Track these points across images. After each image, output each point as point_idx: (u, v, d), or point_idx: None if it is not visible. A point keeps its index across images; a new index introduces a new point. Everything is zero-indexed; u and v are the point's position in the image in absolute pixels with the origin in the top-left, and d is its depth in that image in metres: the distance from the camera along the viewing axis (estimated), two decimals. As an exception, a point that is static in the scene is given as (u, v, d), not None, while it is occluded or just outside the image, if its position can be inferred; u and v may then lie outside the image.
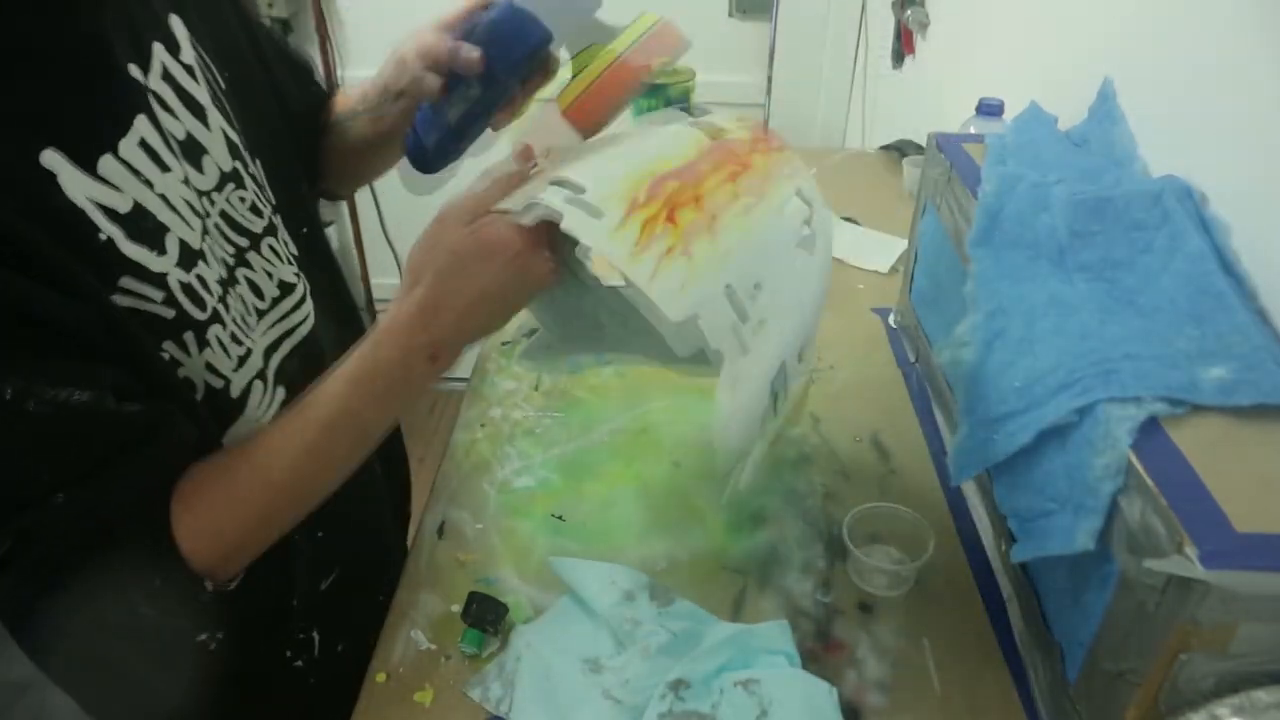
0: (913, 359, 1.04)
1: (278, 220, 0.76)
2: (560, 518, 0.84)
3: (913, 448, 0.92)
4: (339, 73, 2.23)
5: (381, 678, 0.70)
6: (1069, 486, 0.59)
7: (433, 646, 0.72)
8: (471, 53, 0.71)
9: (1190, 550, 0.47)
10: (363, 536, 0.81)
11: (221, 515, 0.60)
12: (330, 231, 2.44)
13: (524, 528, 0.83)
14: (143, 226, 0.58)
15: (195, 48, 0.70)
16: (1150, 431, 0.55)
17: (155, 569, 0.58)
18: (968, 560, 0.79)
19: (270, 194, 0.75)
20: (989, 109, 1.06)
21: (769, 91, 2.11)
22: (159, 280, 0.59)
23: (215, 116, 0.69)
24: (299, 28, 2.19)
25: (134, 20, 0.64)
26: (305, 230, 0.81)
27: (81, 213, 0.55)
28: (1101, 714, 0.58)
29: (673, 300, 0.58)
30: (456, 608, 0.74)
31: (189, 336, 0.61)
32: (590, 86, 0.72)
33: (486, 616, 0.71)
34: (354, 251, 2.50)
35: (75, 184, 0.55)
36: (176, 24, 0.68)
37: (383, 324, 0.63)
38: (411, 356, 0.62)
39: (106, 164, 0.57)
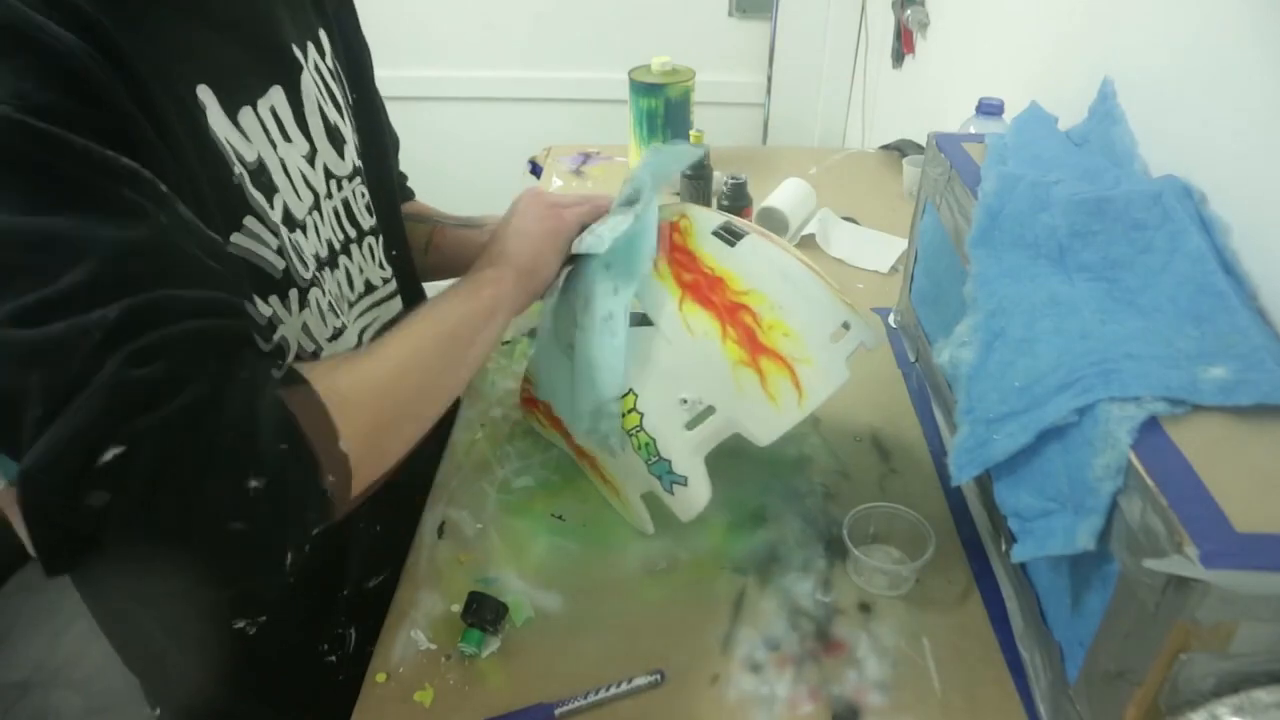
0: (913, 359, 1.04)
1: (378, 225, 0.82)
2: (560, 518, 0.84)
3: (913, 448, 0.92)
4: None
5: (381, 678, 0.70)
6: (1069, 486, 0.59)
7: (433, 646, 0.72)
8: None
9: (1190, 550, 0.47)
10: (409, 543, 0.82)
11: (367, 389, 0.58)
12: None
13: (524, 527, 0.83)
14: (260, 179, 0.64)
15: (335, 61, 0.77)
16: (1150, 431, 0.55)
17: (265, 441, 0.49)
18: (968, 560, 0.79)
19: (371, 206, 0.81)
20: (989, 109, 1.06)
21: (769, 91, 2.11)
22: (273, 225, 0.64)
23: (349, 119, 0.77)
24: (299, 28, 2.19)
25: (298, 15, 0.72)
26: (395, 252, 0.86)
27: (222, 147, 0.60)
28: (1101, 714, 0.58)
29: None
30: (456, 608, 0.74)
31: (293, 294, 0.66)
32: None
33: (486, 616, 0.71)
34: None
35: (219, 122, 0.60)
36: (323, 36, 0.76)
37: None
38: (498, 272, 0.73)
39: (245, 115, 0.63)
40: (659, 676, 0.68)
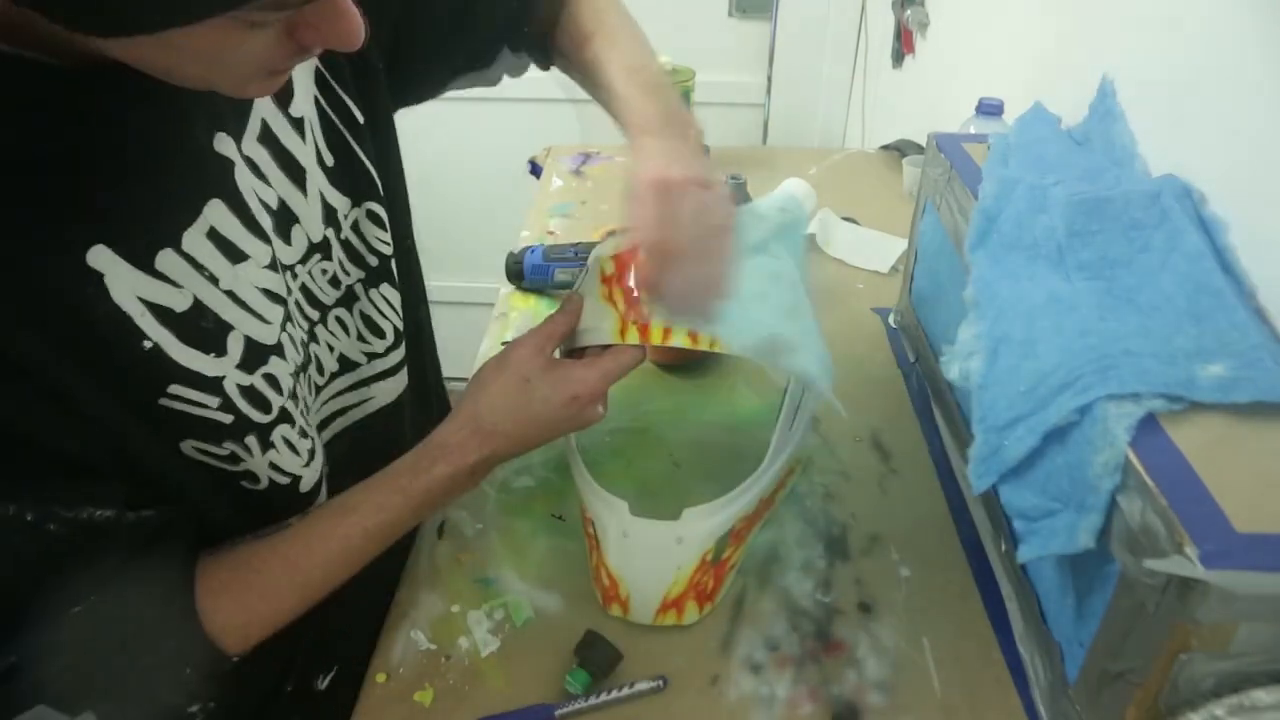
0: (913, 359, 1.04)
1: (361, 288, 0.71)
2: (560, 518, 0.84)
3: (913, 448, 0.92)
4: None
5: (381, 678, 0.70)
6: (1070, 485, 0.59)
7: (433, 646, 0.72)
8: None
9: (1190, 550, 0.47)
10: (367, 637, 0.76)
11: (251, 611, 0.59)
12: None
13: (524, 528, 0.83)
14: (200, 327, 0.53)
15: (323, 86, 0.64)
16: (1149, 430, 0.55)
17: (183, 657, 0.55)
18: (968, 560, 0.79)
19: (368, 253, 0.71)
20: (989, 109, 1.06)
21: (769, 91, 2.11)
22: (214, 385, 0.54)
23: (316, 177, 0.64)
24: (299, 28, 2.19)
25: None
26: (409, 274, 0.78)
27: (127, 318, 0.49)
28: (1101, 714, 0.58)
29: None
30: (456, 608, 0.74)
31: (251, 440, 0.57)
32: None
33: (600, 663, 0.68)
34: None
35: (124, 283, 0.49)
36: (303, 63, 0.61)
37: (440, 439, 0.66)
38: (462, 473, 0.65)
39: (166, 259, 0.51)
40: (661, 683, 0.68)
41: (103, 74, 0.46)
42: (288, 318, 0.60)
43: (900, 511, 0.84)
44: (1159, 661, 0.51)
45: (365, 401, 0.74)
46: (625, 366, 0.68)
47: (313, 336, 0.66)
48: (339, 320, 0.70)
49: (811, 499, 0.85)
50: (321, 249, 0.65)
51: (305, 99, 0.63)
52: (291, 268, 0.62)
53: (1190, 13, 0.78)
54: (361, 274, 0.71)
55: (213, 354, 0.54)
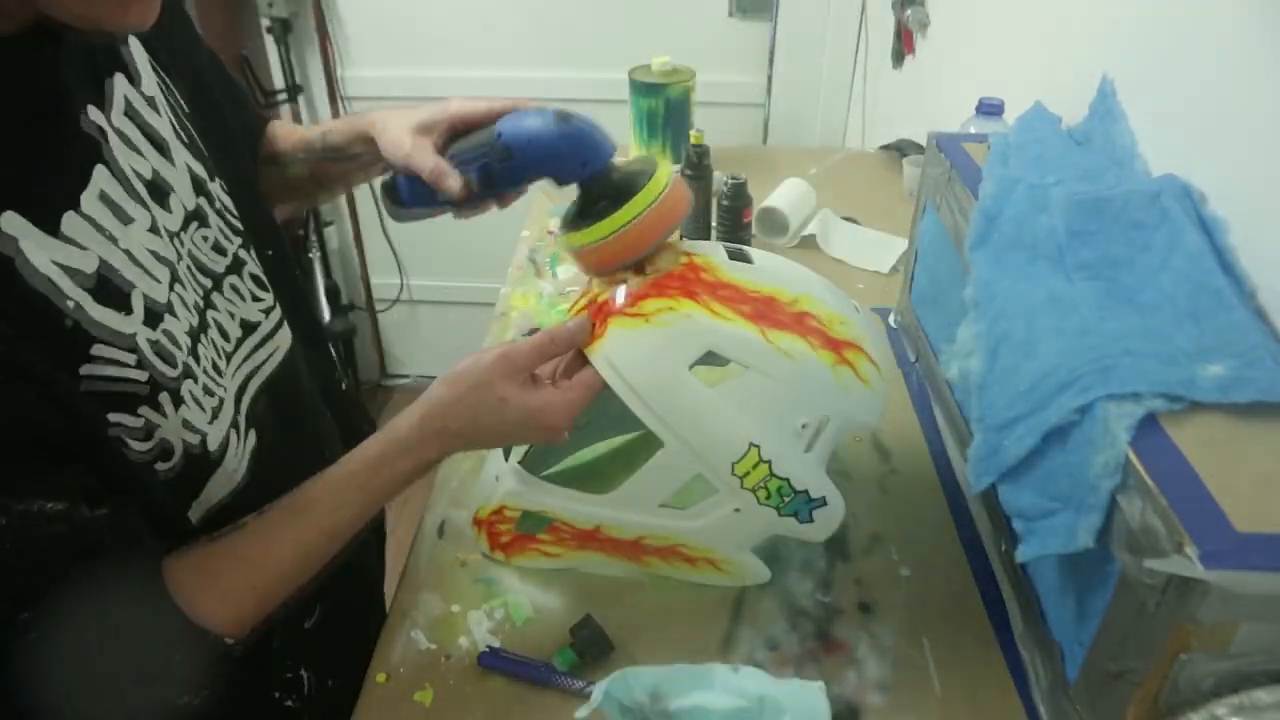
0: (913, 359, 1.04)
1: (243, 253, 0.73)
2: (560, 518, 0.84)
3: (913, 447, 0.92)
4: (339, 73, 2.23)
5: (381, 678, 0.70)
6: (1070, 485, 0.59)
7: (433, 646, 0.72)
8: (453, 184, 0.74)
9: (1190, 550, 0.47)
10: (345, 574, 0.75)
11: (211, 614, 0.59)
12: (330, 231, 2.43)
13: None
14: (109, 287, 0.56)
15: (156, 71, 0.67)
16: (1149, 430, 0.55)
17: (169, 644, 0.56)
18: (968, 560, 0.79)
19: (235, 219, 0.73)
20: (989, 109, 1.06)
21: (769, 91, 2.11)
22: (129, 342, 0.56)
23: (178, 150, 0.67)
24: (299, 28, 2.19)
25: (92, 53, 0.61)
26: (271, 251, 0.79)
27: (49, 280, 0.52)
28: (1101, 714, 0.58)
29: None
30: (457, 608, 0.74)
31: (164, 397, 0.59)
32: (613, 237, 0.69)
33: (590, 649, 0.70)
34: (354, 250, 2.50)
35: (40, 249, 0.51)
36: (135, 48, 0.66)
37: (403, 437, 0.66)
38: (421, 468, 0.66)
39: (70, 221, 0.54)
40: None
41: None
42: (175, 279, 0.63)
43: (900, 511, 0.84)
44: (1159, 661, 0.51)
45: (271, 356, 0.76)
46: (593, 394, 0.69)
47: (209, 304, 0.68)
48: (233, 288, 0.72)
49: (811, 499, 0.85)
50: (198, 217, 0.68)
51: (150, 81, 0.67)
52: (177, 234, 0.65)
53: (1190, 13, 0.78)
54: (239, 240, 0.73)
55: (123, 312, 0.56)
